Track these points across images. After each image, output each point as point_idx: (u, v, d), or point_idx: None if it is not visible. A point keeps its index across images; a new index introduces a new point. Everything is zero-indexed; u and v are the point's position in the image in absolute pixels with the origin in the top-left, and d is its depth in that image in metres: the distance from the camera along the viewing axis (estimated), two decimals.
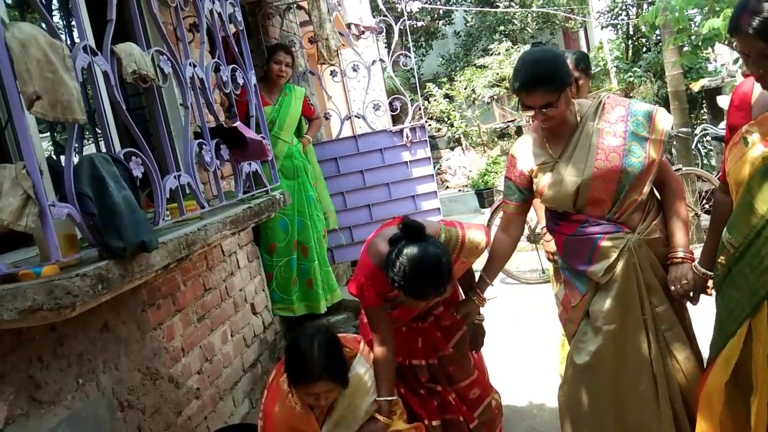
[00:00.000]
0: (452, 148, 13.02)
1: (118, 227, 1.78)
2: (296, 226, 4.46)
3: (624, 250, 2.16)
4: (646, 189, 2.18)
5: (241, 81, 3.04)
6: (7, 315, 1.60)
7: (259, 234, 4.37)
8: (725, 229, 1.94)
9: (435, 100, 12.91)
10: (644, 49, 12.83)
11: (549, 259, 3.30)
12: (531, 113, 2.13)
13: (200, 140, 2.59)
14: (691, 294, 2.18)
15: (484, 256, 2.49)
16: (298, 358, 2.15)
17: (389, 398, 2.32)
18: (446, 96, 13.22)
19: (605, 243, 2.17)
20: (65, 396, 2.12)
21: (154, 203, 2.22)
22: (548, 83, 2.06)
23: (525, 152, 2.30)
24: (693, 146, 7.12)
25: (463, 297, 2.56)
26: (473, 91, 13.00)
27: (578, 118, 2.21)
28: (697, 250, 2.19)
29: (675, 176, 2.28)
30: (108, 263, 1.76)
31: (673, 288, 2.16)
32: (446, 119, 12.84)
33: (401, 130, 5.20)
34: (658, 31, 8.78)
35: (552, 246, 3.00)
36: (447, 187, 12.08)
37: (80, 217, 1.72)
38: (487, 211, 6.92)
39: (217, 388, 3.22)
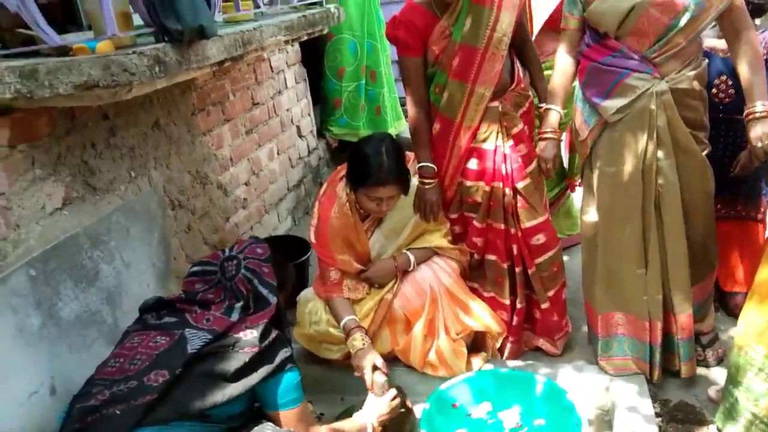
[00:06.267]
0: None
1: (175, 9, 1.66)
2: (365, 49, 4.27)
3: (645, 93, 2.00)
4: (693, 36, 1.98)
5: None
6: (62, 89, 1.53)
7: (325, 58, 4.22)
8: None
9: None
10: None
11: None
12: None
13: None
14: None
15: None
16: (367, 160, 2.09)
17: (430, 164, 2.26)
18: None
19: (629, 81, 2.01)
20: (118, 186, 2.14)
21: None
22: None
23: None
24: None
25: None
26: None
27: None
28: None
29: (751, 26, 2.02)
30: (165, 46, 1.67)
31: (759, 144, 1.97)
32: None
33: None
34: None
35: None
36: None
37: None
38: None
39: (263, 202, 3.27)
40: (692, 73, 2.04)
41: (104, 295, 2.03)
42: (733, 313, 2.58)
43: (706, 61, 2.14)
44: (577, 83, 2.24)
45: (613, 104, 2.05)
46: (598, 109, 2.10)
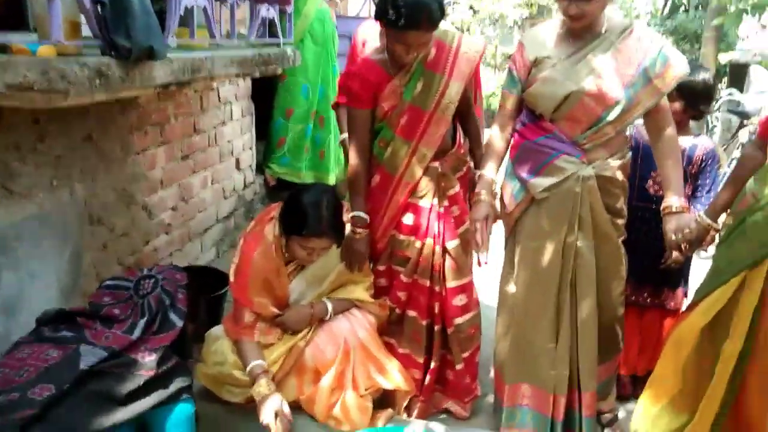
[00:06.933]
0: None
1: (128, 26, 1.64)
2: (317, 95, 4.32)
3: (572, 176, 2.11)
4: (621, 128, 2.13)
5: None
6: None
7: (276, 97, 4.24)
8: (752, 179, 1.91)
9: (457, 3, 12.38)
10: (682, 9, 12.41)
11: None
12: (566, 3, 1.99)
13: None
14: (688, 245, 2.14)
15: None
16: (306, 209, 2.08)
17: (363, 215, 2.28)
18: (470, 8, 12.69)
19: (559, 162, 2.12)
20: (37, 193, 2.05)
21: (166, 19, 2.07)
22: None
23: (535, 41, 2.18)
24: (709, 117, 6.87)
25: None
26: (501, 15, 12.50)
27: (603, 30, 2.09)
28: None
29: (672, 124, 2.17)
30: (110, 60, 1.64)
31: (673, 237, 2.09)
32: (465, 30, 12.38)
33: None
34: None
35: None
36: None
37: (90, 1, 1.58)
38: (488, 131, 6.74)
39: (188, 229, 3.19)
40: (617, 163, 2.16)
41: (0, 303, 1.92)
42: (621, 395, 2.63)
43: (630, 153, 2.27)
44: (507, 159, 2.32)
45: (541, 182, 2.14)
46: (527, 185, 2.18)
